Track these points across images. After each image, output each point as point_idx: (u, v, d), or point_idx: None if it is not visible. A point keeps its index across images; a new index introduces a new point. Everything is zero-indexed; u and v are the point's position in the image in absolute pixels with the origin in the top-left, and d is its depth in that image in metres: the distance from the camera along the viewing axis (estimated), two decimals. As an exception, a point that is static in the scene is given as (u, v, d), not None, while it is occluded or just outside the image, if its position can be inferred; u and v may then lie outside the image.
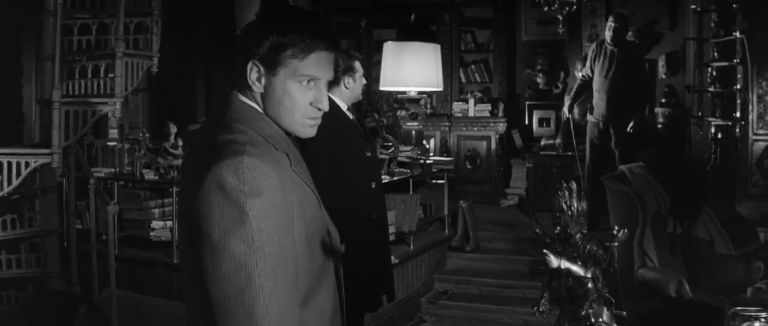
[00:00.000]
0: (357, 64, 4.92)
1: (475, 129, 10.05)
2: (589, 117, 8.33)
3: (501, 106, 9.87)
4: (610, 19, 8.07)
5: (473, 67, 10.45)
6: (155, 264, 6.52)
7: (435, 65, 7.79)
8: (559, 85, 10.09)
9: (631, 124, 7.98)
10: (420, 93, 7.94)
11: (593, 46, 8.31)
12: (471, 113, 10.11)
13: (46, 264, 5.01)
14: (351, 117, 4.90)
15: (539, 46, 10.14)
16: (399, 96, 7.97)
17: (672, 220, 5.51)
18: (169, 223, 6.72)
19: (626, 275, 5.26)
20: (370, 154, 4.96)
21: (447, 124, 10.00)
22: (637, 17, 9.65)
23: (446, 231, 7.99)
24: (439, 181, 7.87)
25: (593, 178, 7.88)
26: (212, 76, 9.43)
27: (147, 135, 7.19)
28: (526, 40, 10.42)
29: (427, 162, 7.37)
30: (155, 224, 6.87)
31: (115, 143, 7.14)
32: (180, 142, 6.68)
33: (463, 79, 10.39)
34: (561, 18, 8.74)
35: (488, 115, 10.02)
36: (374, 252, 4.90)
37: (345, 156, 4.69)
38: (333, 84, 4.72)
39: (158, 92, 8.91)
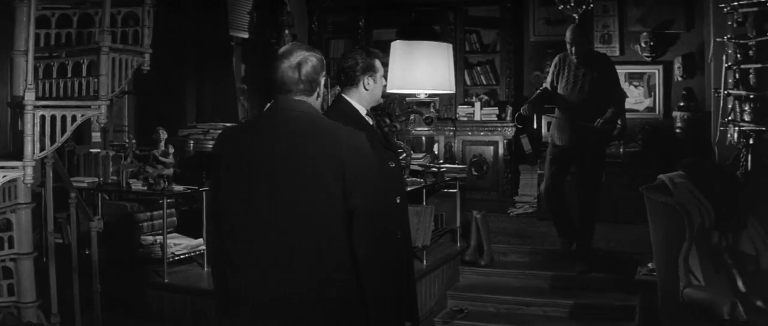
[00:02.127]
0: (378, 63, 4.26)
1: (482, 134, 9.46)
2: (550, 138, 7.25)
3: (508, 110, 9.22)
4: (567, 32, 6.91)
5: (479, 68, 9.88)
6: (145, 285, 5.74)
7: (447, 66, 7.07)
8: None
9: (599, 120, 6.77)
10: (430, 95, 7.19)
11: (556, 59, 7.15)
12: (477, 117, 9.56)
13: (19, 292, 4.21)
14: (371, 122, 4.28)
15: (548, 46, 9.46)
16: (407, 99, 7.22)
17: (716, 234, 5.07)
18: (159, 238, 5.94)
19: (670, 295, 4.88)
20: (393, 165, 4.31)
21: (452, 128, 9.32)
22: (652, 18, 9.25)
23: (458, 244, 7.28)
24: (451, 190, 7.15)
25: (551, 196, 7.17)
26: (203, 77, 8.65)
27: (133, 141, 6.42)
28: (535, 40, 9.85)
29: (440, 170, 6.65)
30: (144, 239, 6.10)
31: (98, 150, 6.34)
32: (171, 149, 5.90)
33: (468, 81, 9.75)
34: (576, 17, 8.11)
35: (495, 118, 9.47)
36: (398, 276, 4.21)
37: None
38: (350, 85, 4.18)
39: (144, 94, 8.12)
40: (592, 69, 6.85)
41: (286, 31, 9.35)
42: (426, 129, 7.02)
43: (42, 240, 5.08)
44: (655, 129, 9.22)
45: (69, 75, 4.07)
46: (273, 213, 2.82)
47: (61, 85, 4.08)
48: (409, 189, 6.04)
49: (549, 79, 7.13)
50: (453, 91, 7.37)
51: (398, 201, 4.27)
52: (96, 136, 4.00)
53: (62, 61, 4.10)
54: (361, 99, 4.18)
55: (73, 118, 3.84)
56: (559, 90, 6.98)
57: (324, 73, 3.01)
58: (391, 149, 4.38)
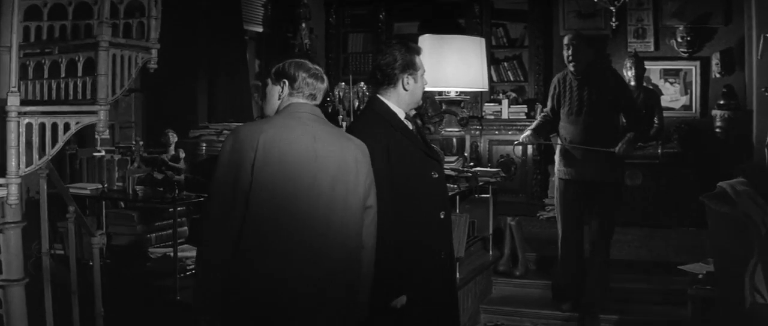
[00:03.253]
0: (418, 60, 3.68)
1: (510, 133, 8.73)
2: (557, 172, 6.04)
3: (538, 108, 8.54)
4: (566, 39, 5.83)
5: (505, 64, 9.24)
6: (154, 303, 5.10)
7: (480, 62, 6.42)
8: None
9: (620, 146, 5.65)
10: (460, 93, 6.52)
11: (554, 81, 6.05)
12: (504, 115, 8.91)
13: (9, 324, 3.55)
14: (411, 127, 3.70)
15: (580, 41, 8.74)
16: (437, 98, 6.56)
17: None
18: (169, 251, 5.29)
19: (733, 312, 4.42)
20: (436, 176, 3.70)
21: (478, 127, 8.69)
22: (688, 12, 8.67)
23: (491, 253, 6.63)
24: (484, 195, 6.50)
25: (571, 250, 5.93)
26: (216, 73, 8.01)
27: (141, 143, 5.77)
28: (565, 34, 8.85)
29: (475, 174, 6.00)
30: (153, 252, 5.46)
31: (102, 153, 5.69)
32: (182, 154, 5.26)
33: (495, 78, 9.08)
34: (614, 9, 7.46)
35: (523, 117, 8.79)
36: (441, 302, 3.73)
37: (406, 178, 3.54)
38: (387, 84, 3.63)
39: (153, 91, 7.47)
40: (597, 87, 5.71)
41: (303, 25, 8.76)
42: (457, 130, 6.35)
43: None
44: (692, 128, 8.62)
45: (62, 74, 3.40)
46: (313, 208, 3.01)
47: (54, 86, 3.41)
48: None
49: (549, 104, 6.05)
50: (486, 89, 6.70)
51: (442, 216, 3.68)
52: (104, 134, 3.39)
53: (55, 58, 3.43)
54: (399, 100, 3.63)
55: (66, 127, 3.16)
56: (562, 116, 5.85)
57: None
58: (433, 157, 3.75)
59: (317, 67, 3.30)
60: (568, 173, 5.81)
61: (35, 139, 3.10)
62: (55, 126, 3.13)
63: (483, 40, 6.79)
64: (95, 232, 4.35)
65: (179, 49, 7.04)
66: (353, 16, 9.79)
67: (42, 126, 3.10)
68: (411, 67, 3.60)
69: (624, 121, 5.87)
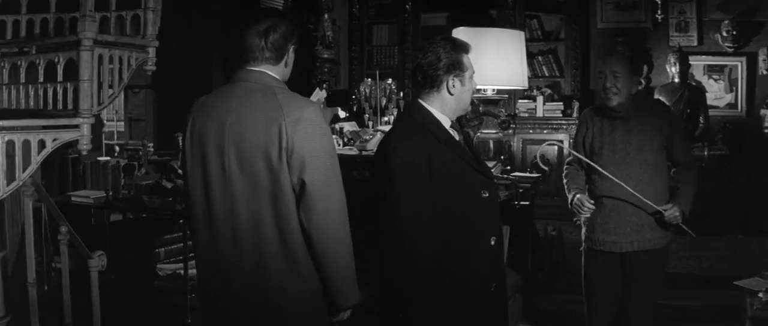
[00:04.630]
0: (466, 59, 3.07)
1: (545, 132, 8.12)
2: (585, 238, 4.26)
3: (575, 106, 7.89)
4: (605, 65, 4.06)
5: (540, 58, 8.55)
6: (161, 327, 4.48)
7: (519, 57, 5.67)
8: (642, 81, 8.03)
9: (670, 209, 3.99)
10: (498, 92, 5.82)
11: (583, 117, 4.33)
12: (539, 113, 8.22)
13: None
14: (457, 138, 3.09)
15: (618, 34, 8.20)
16: (474, 97, 5.87)
17: None
18: (180, 268, 4.65)
19: None
20: (487, 195, 3.05)
21: (511, 125, 7.91)
22: (734, 4, 8.03)
23: (529, 265, 5.94)
24: (522, 202, 5.81)
25: None
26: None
27: (150, 146, 5.12)
28: (603, 27, 8.43)
29: (516, 182, 5.32)
30: (162, 269, 4.81)
31: (108, 158, 5.04)
32: (194, 160, 4.59)
33: (529, 73, 8.29)
34: (659, 2, 6.82)
35: (559, 115, 8.13)
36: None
37: (451, 198, 2.94)
38: (430, 87, 3.03)
39: (166, 86, 6.83)
40: (644, 126, 4.02)
41: (325, 16, 8.07)
42: (494, 131, 5.64)
43: (43, 265, 3.85)
44: (737, 128, 7.98)
45: (41, 79, 2.72)
46: (222, 189, 2.53)
47: (31, 93, 2.73)
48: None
49: (574, 150, 4.30)
50: (526, 86, 5.99)
51: (492, 242, 3.03)
52: (85, 150, 2.74)
53: (32, 59, 2.76)
54: (443, 106, 3.03)
55: (41, 144, 2.49)
56: (596, 162, 4.06)
57: (294, 40, 2.66)
58: (484, 173, 3.09)
59: (264, 19, 2.62)
60: (602, 242, 4.12)
61: (2, 159, 2.42)
62: (26, 144, 2.47)
63: (522, 33, 6.07)
64: (92, 254, 3.68)
65: (194, 43, 6.44)
66: (378, 7, 9.13)
67: (10, 144, 2.43)
68: (457, 67, 3.00)
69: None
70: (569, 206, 4.18)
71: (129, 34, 2.82)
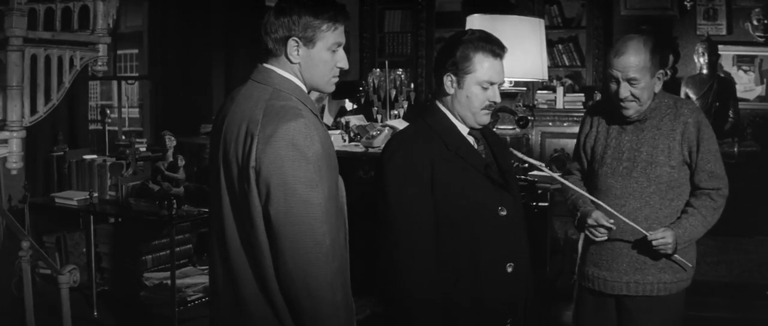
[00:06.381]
0: (479, 55, 2.59)
1: (565, 124, 7.64)
2: (578, 274, 3.22)
3: (597, 97, 7.39)
4: (618, 71, 2.95)
5: (560, 46, 8.07)
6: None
7: (539, 48, 5.23)
8: (668, 72, 7.59)
9: (664, 236, 2.88)
10: (514, 84, 5.34)
11: (586, 117, 3.22)
12: (559, 104, 7.74)
13: None
14: (475, 146, 2.62)
15: (642, 21, 7.67)
16: (486, 89, 5.36)
17: None
18: (166, 278, 4.18)
19: None
20: (505, 213, 2.56)
21: (529, 117, 7.45)
22: None
23: (548, 270, 5.46)
24: (541, 203, 5.32)
25: None
26: (233, 61, 7.03)
27: (139, 143, 4.64)
28: (626, 14, 7.92)
29: (534, 182, 4.85)
30: (148, 278, 4.34)
31: (93, 156, 4.56)
32: (181, 161, 4.09)
33: (548, 62, 7.80)
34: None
35: (580, 106, 7.61)
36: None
37: (459, 213, 2.50)
38: (439, 90, 2.60)
39: (163, 76, 6.39)
40: (657, 130, 2.98)
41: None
42: (510, 128, 5.16)
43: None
44: (768, 122, 7.50)
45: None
46: (217, 206, 2.22)
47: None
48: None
49: (575, 153, 3.29)
50: (545, 78, 5.48)
51: (509, 270, 2.54)
52: (14, 170, 2.31)
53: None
54: (460, 110, 2.58)
55: (-40, 162, 2.02)
56: (599, 176, 3.04)
57: (298, 29, 2.15)
58: (503, 186, 2.58)
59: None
60: (591, 278, 3.08)
61: None
62: (-60, 161, 1.99)
63: (542, 21, 5.58)
64: (61, 269, 3.19)
65: (195, 35, 6.00)
66: (389, -8, 8.66)
67: None
68: (466, 62, 2.56)
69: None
70: (575, 223, 3.10)
71: (77, 29, 2.31)
